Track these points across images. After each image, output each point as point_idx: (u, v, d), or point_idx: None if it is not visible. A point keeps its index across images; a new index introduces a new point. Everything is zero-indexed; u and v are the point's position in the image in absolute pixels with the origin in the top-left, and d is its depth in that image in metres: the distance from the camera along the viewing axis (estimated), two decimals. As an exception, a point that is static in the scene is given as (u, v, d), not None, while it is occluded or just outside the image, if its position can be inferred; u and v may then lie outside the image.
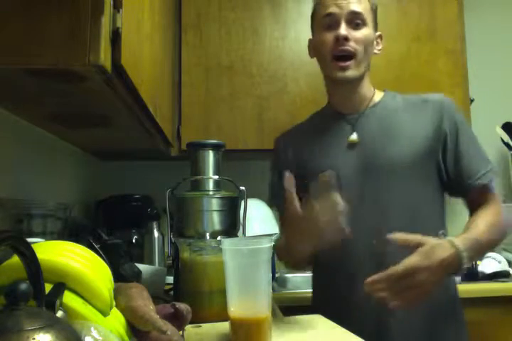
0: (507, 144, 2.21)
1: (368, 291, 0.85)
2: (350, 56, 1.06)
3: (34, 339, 0.40)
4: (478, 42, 2.27)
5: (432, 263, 0.86)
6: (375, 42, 1.13)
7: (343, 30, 1.05)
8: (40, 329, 0.41)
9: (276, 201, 1.21)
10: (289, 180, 0.86)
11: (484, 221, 1.01)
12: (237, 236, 1.06)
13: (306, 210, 0.86)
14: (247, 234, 1.13)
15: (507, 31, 2.42)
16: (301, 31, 1.90)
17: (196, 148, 1.07)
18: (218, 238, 1.00)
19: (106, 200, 1.86)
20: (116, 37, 0.73)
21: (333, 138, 1.14)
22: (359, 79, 1.11)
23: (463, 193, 1.10)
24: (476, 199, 1.08)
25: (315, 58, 1.17)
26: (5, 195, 1.00)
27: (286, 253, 1.07)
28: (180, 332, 0.71)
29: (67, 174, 1.54)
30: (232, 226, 1.04)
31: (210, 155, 1.07)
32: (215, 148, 1.08)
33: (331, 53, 1.07)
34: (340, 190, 0.98)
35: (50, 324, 0.42)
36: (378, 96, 1.17)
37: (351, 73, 1.07)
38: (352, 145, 1.11)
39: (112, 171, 2.05)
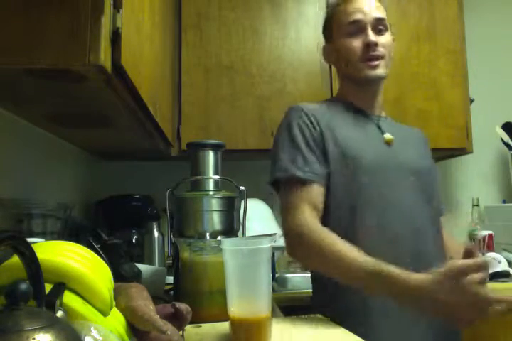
0: (507, 144, 2.21)
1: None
2: (379, 57, 1.11)
3: (34, 339, 0.40)
4: (478, 42, 2.27)
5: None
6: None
7: (373, 36, 1.10)
8: (40, 329, 0.41)
9: (312, 173, 1.04)
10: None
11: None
12: (237, 236, 1.06)
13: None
14: (247, 234, 1.13)
15: (507, 31, 2.42)
16: (301, 31, 1.90)
17: (196, 148, 1.07)
18: (218, 238, 1.00)
19: (106, 200, 1.86)
20: (116, 37, 0.73)
21: (369, 133, 1.15)
22: (383, 80, 1.17)
23: None
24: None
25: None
26: (5, 195, 1.00)
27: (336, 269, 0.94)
28: (180, 332, 0.71)
29: (67, 174, 1.54)
30: (232, 226, 1.04)
31: (210, 155, 1.07)
32: (215, 148, 1.08)
33: (360, 58, 1.11)
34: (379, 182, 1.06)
35: (50, 324, 0.42)
36: (383, 111, 1.25)
37: (381, 71, 1.12)
38: (388, 143, 1.14)
39: (112, 171, 2.05)
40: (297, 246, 1.01)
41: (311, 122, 1.09)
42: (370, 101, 1.19)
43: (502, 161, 2.33)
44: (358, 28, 1.12)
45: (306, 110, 1.11)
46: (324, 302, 1.09)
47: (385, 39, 1.13)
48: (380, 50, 1.11)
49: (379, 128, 1.17)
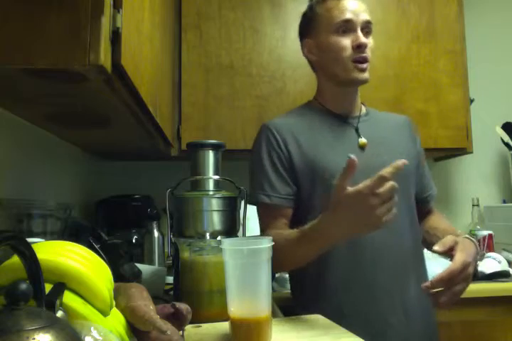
0: (507, 144, 2.21)
1: (425, 292, 0.89)
2: (367, 60, 1.11)
3: (34, 339, 0.40)
4: (478, 42, 2.27)
5: (472, 257, 0.93)
6: None
7: (363, 38, 1.10)
8: (40, 329, 0.41)
9: (276, 197, 1.11)
10: (352, 162, 0.83)
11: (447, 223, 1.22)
12: (237, 236, 1.06)
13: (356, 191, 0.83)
14: (247, 234, 1.13)
15: (507, 31, 2.42)
16: (301, 31, 1.90)
17: (196, 148, 1.07)
18: (218, 238, 1.00)
19: (106, 200, 1.86)
20: (116, 37, 0.73)
21: (342, 139, 1.14)
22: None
23: (419, 201, 1.23)
24: (424, 209, 1.26)
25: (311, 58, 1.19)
26: (5, 195, 1.00)
27: (290, 253, 1.00)
28: (180, 332, 0.71)
29: (67, 174, 1.54)
30: (232, 226, 1.04)
31: (210, 155, 1.07)
32: (215, 148, 1.08)
33: (351, 58, 1.10)
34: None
35: (50, 324, 0.42)
36: (362, 106, 1.24)
37: (367, 75, 1.12)
38: (362, 148, 1.14)
39: (112, 171, 2.05)
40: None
41: (277, 142, 1.13)
42: (350, 103, 1.19)
43: (502, 161, 2.33)
44: (349, 27, 1.11)
45: (274, 129, 1.15)
46: (303, 305, 1.12)
47: (371, 42, 1.13)
48: (368, 53, 1.11)
49: (357, 131, 1.15)
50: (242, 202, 1.09)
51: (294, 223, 1.08)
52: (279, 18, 1.90)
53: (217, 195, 1.03)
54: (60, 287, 0.52)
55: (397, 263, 1.09)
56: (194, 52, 1.84)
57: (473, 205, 2.12)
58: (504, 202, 2.27)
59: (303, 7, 1.94)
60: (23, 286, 0.43)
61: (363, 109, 1.22)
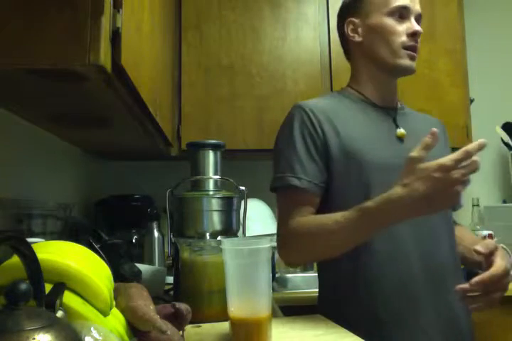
0: (507, 144, 2.21)
1: (461, 294, 0.86)
2: (417, 49, 1.08)
3: (34, 339, 0.40)
4: (478, 42, 2.27)
5: (510, 266, 0.89)
6: None
7: (418, 26, 1.06)
8: (40, 329, 0.41)
9: (309, 181, 1.01)
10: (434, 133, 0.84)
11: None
12: (237, 236, 1.06)
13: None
14: (247, 234, 1.13)
15: (507, 31, 2.42)
16: (301, 31, 1.90)
17: (196, 148, 1.07)
18: (218, 238, 1.00)
19: (106, 200, 1.86)
20: (116, 37, 0.73)
21: (380, 129, 1.08)
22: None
23: None
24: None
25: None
26: (5, 195, 1.00)
27: (319, 246, 0.95)
28: (180, 332, 0.71)
29: (67, 174, 1.54)
30: (232, 226, 1.04)
31: (210, 155, 1.07)
32: (215, 148, 1.08)
33: (403, 44, 1.05)
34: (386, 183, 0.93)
35: (50, 324, 0.42)
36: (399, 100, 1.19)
37: (415, 65, 1.08)
38: (401, 139, 1.08)
39: (112, 171, 2.05)
40: (287, 244, 1.00)
41: (312, 124, 1.04)
42: (389, 93, 1.14)
43: (502, 161, 2.33)
44: (404, 14, 1.07)
45: (309, 110, 1.05)
46: (332, 309, 1.02)
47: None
48: (418, 42, 1.07)
49: (394, 122, 1.10)
50: (242, 202, 1.09)
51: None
52: (279, 18, 1.90)
53: (217, 195, 1.03)
54: (60, 287, 0.52)
55: (440, 275, 1.02)
56: (194, 52, 1.84)
57: (473, 205, 2.12)
58: (504, 202, 2.27)
59: (303, 7, 1.95)
60: (23, 286, 0.43)
61: (399, 103, 1.17)
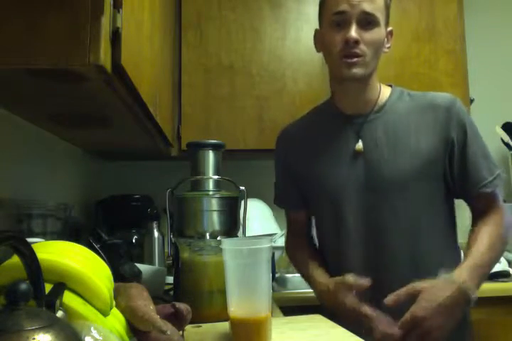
0: (507, 144, 2.21)
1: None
2: (357, 55, 1.03)
3: (34, 339, 0.40)
4: (478, 42, 2.27)
5: (438, 306, 0.88)
6: (385, 41, 1.08)
7: (354, 32, 1.00)
8: (40, 329, 0.41)
9: (281, 201, 1.27)
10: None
11: (486, 237, 1.02)
12: (237, 236, 1.06)
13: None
14: (247, 234, 1.13)
15: (507, 31, 2.42)
16: (301, 31, 1.90)
17: (196, 148, 1.07)
18: (218, 238, 1.00)
19: (106, 200, 1.86)
20: (116, 37, 0.73)
21: (338, 146, 1.10)
22: (366, 78, 1.07)
23: (467, 199, 1.11)
24: (479, 207, 1.09)
25: (316, 57, 1.19)
26: (5, 195, 1.00)
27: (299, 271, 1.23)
28: (180, 332, 0.71)
29: (67, 174, 1.54)
30: (232, 226, 1.04)
31: (210, 155, 1.07)
32: (215, 148, 1.08)
33: (339, 54, 1.02)
34: (342, 203, 1.08)
35: (50, 324, 0.42)
36: (385, 95, 1.13)
37: (358, 71, 1.03)
38: (357, 154, 1.07)
39: (112, 171, 2.05)
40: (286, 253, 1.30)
41: (280, 153, 1.22)
42: (353, 101, 1.11)
43: (502, 161, 2.33)
44: (343, 19, 1.02)
45: (282, 139, 1.23)
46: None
47: (370, 35, 1.02)
48: (361, 48, 1.01)
49: (357, 134, 1.08)
50: (242, 202, 1.09)
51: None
52: (279, 18, 1.90)
53: (217, 195, 1.03)
54: (60, 287, 0.52)
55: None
56: (194, 52, 1.84)
57: (473, 205, 2.11)
58: (504, 202, 2.27)
59: (303, 7, 1.94)
60: (23, 286, 0.43)
61: (381, 102, 1.11)
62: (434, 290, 0.90)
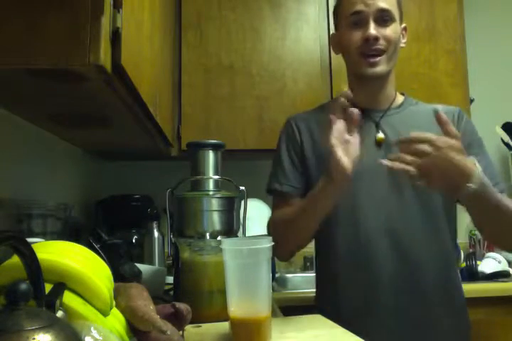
0: (507, 144, 2.21)
1: (392, 159, 0.86)
2: (379, 52, 1.06)
3: (34, 339, 0.40)
4: (478, 42, 2.27)
5: (456, 151, 0.85)
6: (401, 36, 1.12)
7: (373, 29, 1.04)
8: (40, 329, 0.41)
9: (288, 185, 1.15)
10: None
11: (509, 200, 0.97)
12: (237, 236, 1.06)
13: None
14: (247, 234, 1.13)
15: (507, 31, 2.42)
16: (301, 31, 1.90)
17: (196, 148, 1.07)
18: (218, 238, 1.00)
19: (106, 200, 1.86)
20: (116, 37, 0.73)
21: (360, 134, 1.06)
22: (387, 75, 1.10)
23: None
24: None
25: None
26: (5, 195, 1.00)
27: (290, 230, 1.06)
28: (180, 332, 0.71)
29: (67, 174, 1.54)
30: (232, 226, 1.04)
31: (210, 155, 1.07)
32: (215, 148, 1.08)
33: (359, 52, 1.06)
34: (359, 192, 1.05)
35: (50, 324, 0.42)
36: (400, 98, 1.17)
37: (381, 68, 1.06)
38: (379, 143, 1.09)
39: (112, 171, 2.05)
40: (273, 234, 1.03)
41: (293, 133, 1.17)
42: (373, 97, 1.13)
43: (502, 161, 2.33)
44: (360, 19, 1.06)
45: (292, 121, 1.20)
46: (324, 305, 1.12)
47: (389, 31, 1.06)
48: (382, 44, 1.05)
49: (377, 126, 1.10)
50: (242, 202, 1.09)
51: None
52: (279, 18, 1.90)
53: (217, 195, 1.03)
54: (60, 287, 0.52)
55: (416, 294, 1.03)
56: (194, 52, 1.84)
57: (473, 205, 2.11)
58: (504, 202, 2.27)
59: (303, 7, 1.95)
60: (23, 286, 0.43)
61: (398, 101, 1.16)
62: (459, 148, 0.87)
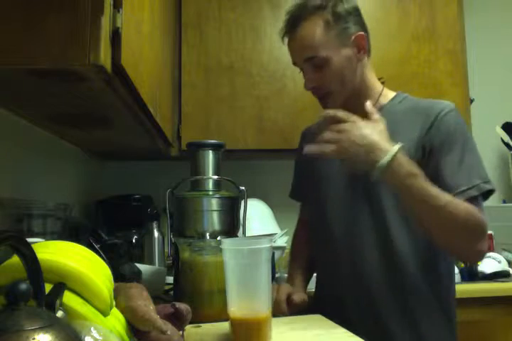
0: (507, 144, 2.21)
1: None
2: (324, 95, 1.08)
3: (34, 339, 0.40)
4: (478, 42, 2.27)
5: (369, 130, 0.91)
6: (351, 57, 1.05)
7: (308, 81, 1.07)
8: (40, 329, 0.41)
9: (293, 193, 1.34)
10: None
11: (462, 203, 0.92)
12: (237, 236, 1.06)
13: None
14: (247, 234, 1.13)
15: (507, 31, 2.42)
16: (301, 31, 1.90)
17: (196, 148, 1.07)
18: (218, 238, 1.00)
19: (106, 200, 1.86)
20: (116, 37, 0.73)
21: None
22: (348, 95, 1.07)
23: None
24: None
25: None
26: (5, 195, 1.00)
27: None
28: (180, 332, 0.71)
29: (67, 174, 1.54)
30: (232, 226, 1.04)
31: (210, 155, 1.07)
32: (215, 148, 1.08)
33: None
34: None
35: (50, 324, 0.42)
36: (387, 97, 1.13)
37: (334, 105, 1.05)
38: None
39: (112, 171, 2.05)
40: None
41: (300, 145, 1.26)
42: (352, 107, 1.04)
43: (502, 161, 2.33)
44: (300, 68, 1.10)
45: (305, 131, 1.31)
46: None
47: (327, 72, 1.04)
48: (324, 87, 1.05)
49: None
50: (242, 202, 1.09)
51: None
52: (279, 18, 1.89)
53: (217, 195, 1.03)
54: (60, 287, 0.52)
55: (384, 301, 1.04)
56: (194, 52, 1.84)
57: (473, 205, 2.11)
58: (504, 202, 2.27)
59: (303, 7, 1.94)
60: (23, 286, 0.43)
61: (378, 105, 1.10)
62: (376, 127, 0.92)
